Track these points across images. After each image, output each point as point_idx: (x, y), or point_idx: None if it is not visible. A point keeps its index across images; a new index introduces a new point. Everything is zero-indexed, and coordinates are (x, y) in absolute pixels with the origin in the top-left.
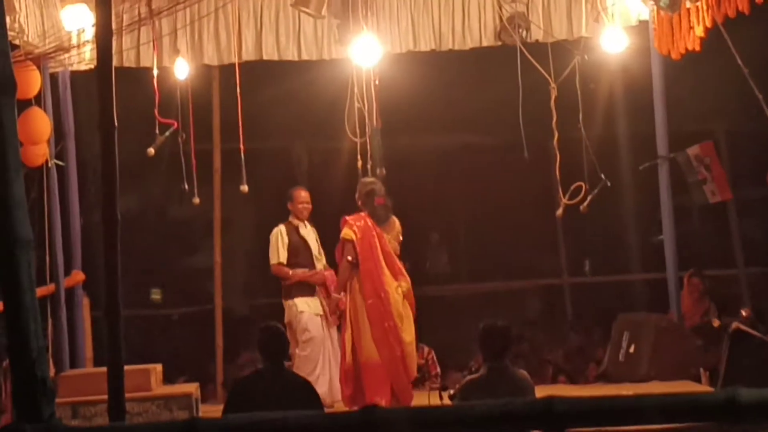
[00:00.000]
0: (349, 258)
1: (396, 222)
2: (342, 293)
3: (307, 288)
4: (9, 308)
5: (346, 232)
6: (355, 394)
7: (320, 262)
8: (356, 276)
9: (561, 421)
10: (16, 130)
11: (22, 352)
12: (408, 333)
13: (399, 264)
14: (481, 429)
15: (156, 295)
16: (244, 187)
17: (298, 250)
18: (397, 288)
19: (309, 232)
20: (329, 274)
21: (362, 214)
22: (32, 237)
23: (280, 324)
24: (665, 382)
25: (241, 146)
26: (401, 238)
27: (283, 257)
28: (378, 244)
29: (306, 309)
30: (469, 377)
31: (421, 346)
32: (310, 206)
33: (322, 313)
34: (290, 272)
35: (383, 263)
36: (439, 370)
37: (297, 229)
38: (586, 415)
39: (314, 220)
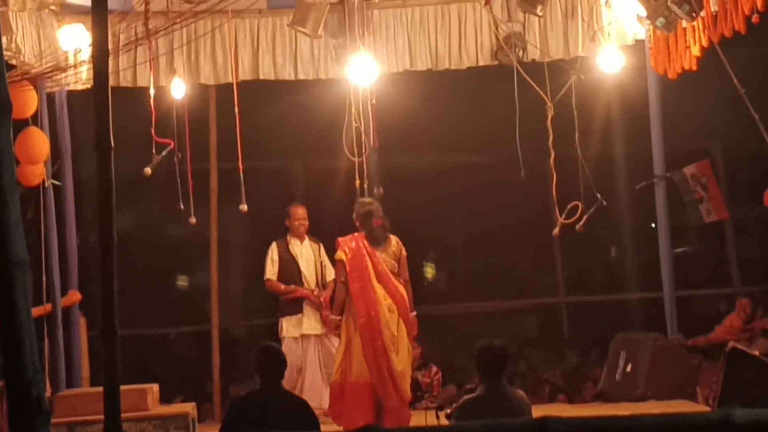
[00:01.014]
0: (342, 279)
1: (393, 240)
2: (340, 314)
3: (293, 306)
4: (5, 328)
5: (337, 254)
6: (341, 411)
7: (312, 280)
8: (349, 296)
9: None
10: (12, 150)
11: (17, 373)
12: (401, 354)
13: (395, 282)
14: None
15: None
16: (244, 207)
17: (284, 267)
18: (391, 305)
19: (303, 249)
20: (313, 291)
21: (356, 234)
22: (27, 257)
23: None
24: (662, 402)
25: (240, 165)
26: (404, 253)
27: (272, 273)
28: (369, 264)
29: (286, 333)
30: (465, 397)
31: (429, 365)
32: (306, 223)
33: (307, 332)
34: (282, 286)
35: (374, 282)
36: (440, 392)
37: (288, 245)
38: None
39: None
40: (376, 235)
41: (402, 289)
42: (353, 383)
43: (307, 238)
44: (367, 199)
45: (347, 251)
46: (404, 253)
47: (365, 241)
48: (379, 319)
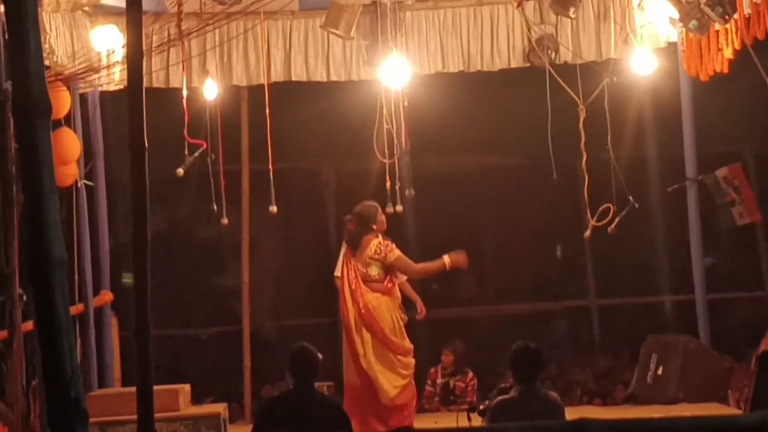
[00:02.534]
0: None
1: (373, 245)
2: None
3: None
4: (43, 328)
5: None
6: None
7: None
8: None
9: None
10: (52, 152)
11: (56, 373)
12: (371, 357)
13: (362, 290)
14: None
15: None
16: (273, 208)
17: None
18: (358, 313)
19: None
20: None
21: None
22: (66, 257)
23: (310, 344)
24: (693, 404)
25: (270, 167)
26: (391, 257)
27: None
28: (347, 270)
29: None
30: (500, 398)
31: (465, 371)
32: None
33: None
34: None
35: (346, 289)
36: (474, 399)
37: None
38: None
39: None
40: (345, 238)
41: (369, 299)
42: (346, 384)
43: None
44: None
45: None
46: (390, 258)
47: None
48: (348, 324)
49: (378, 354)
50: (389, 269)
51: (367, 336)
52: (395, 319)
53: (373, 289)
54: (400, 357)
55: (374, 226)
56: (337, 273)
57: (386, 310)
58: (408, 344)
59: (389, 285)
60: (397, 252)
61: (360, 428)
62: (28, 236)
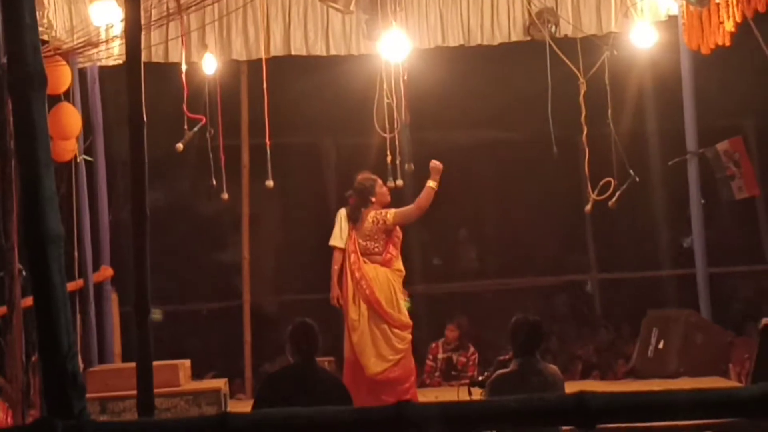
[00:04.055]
0: None
1: (370, 216)
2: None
3: None
4: (40, 303)
5: None
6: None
7: None
8: None
9: (593, 416)
10: (47, 125)
11: (53, 348)
12: (365, 329)
13: (360, 263)
14: (513, 424)
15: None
16: (270, 183)
17: None
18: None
19: None
20: None
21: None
22: (63, 232)
23: (310, 319)
24: (694, 378)
25: (267, 141)
26: (388, 222)
27: None
28: (349, 242)
29: None
30: (499, 371)
31: (467, 345)
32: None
33: None
34: None
35: (346, 265)
36: (475, 373)
37: None
38: (618, 410)
39: None
40: (347, 212)
41: (366, 270)
42: (346, 359)
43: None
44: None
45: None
46: (389, 220)
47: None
48: (348, 297)
49: (373, 326)
50: (391, 233)
51: (364, 308)
52: (393, 291)
53: (373, 261)
54: (396, 330)
55: (373, 199)
56: (333, 242)
57: (384, 281)
58: (406, 318)
59: (388, 256)
60: (392, 211)
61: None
62: (23, 211)
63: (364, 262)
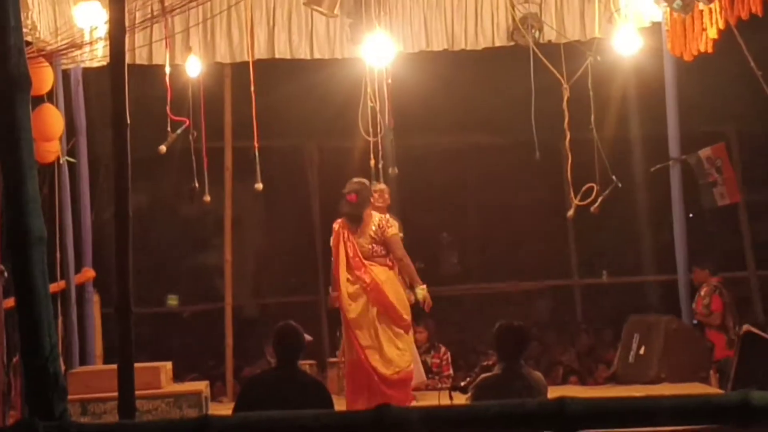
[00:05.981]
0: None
1: (375, 220)
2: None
3: None
4: (22, 304)
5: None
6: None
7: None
8: None
9: (573, 421)
10: (31, 126)
11: (35, 349)
12: (366, 333)
13: (367, 266)
14: (494, 428)
15: (173, 300)
16: (259, 185)
17: None
18: (357, 290)
19: None
20: None
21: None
22: (45, 233)
23: (295, 322)
24: (675, 384)
25: (255, 144)
26: (388, 233)
27: None
28: (343, 249)
29: None
30: (483, 375)
31: (438, 346)
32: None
33: None
34: None
35: (342, 268)
36: (452, 371)
37: None
38: (598, 416)
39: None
40: (346, 211)
41: (377, 273)
42: (348, 361)
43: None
44: (354, 179)
45: (333, 234)
46: (388, 233)
47: (346, 224)
48: (343, 299)
49: (383, 329)
50: (383, 243)
51: (373, 310)
52: (403, 293)
53: (380, 263)
54: (401, 332)
55: (371, 198)
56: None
57: (395, 283)
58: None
59: (391, 263)
60: (396, 230)
61: (365, 405)
62: (6, 212)
63: (371, 265)
